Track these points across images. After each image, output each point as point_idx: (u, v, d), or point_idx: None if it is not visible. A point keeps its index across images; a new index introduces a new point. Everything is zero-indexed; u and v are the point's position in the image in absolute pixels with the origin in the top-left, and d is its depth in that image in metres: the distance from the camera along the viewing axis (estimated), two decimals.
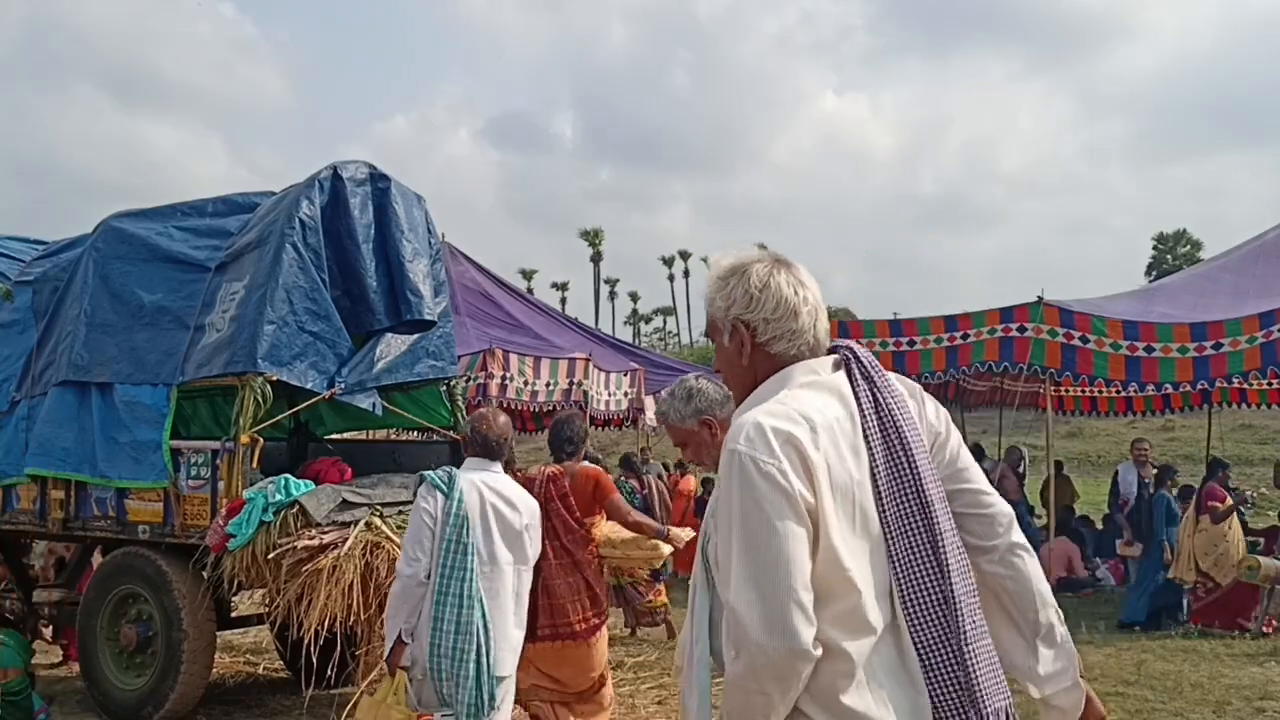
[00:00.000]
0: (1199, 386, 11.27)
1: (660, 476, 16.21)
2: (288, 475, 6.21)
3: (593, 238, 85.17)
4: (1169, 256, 57.96)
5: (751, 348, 2.09)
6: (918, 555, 1.96)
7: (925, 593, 1.95)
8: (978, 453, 16.44)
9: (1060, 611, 2.20)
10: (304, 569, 5.78)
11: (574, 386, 14.00)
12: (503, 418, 4.68)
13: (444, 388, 7.61)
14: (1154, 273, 54.03)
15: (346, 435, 8.49)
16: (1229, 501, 9.98)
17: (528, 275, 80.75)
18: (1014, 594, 2.13)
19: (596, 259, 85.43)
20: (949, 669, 1.93)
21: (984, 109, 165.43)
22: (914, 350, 12.25)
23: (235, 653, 8.89)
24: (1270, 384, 15.58)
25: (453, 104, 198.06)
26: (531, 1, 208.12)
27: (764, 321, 2.07)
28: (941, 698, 1.92)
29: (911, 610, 1.94)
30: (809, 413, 1.95)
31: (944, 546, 1.97)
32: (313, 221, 6.62)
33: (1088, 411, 19.13)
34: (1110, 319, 11.44)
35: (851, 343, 2.14)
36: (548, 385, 13.90)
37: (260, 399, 6.28)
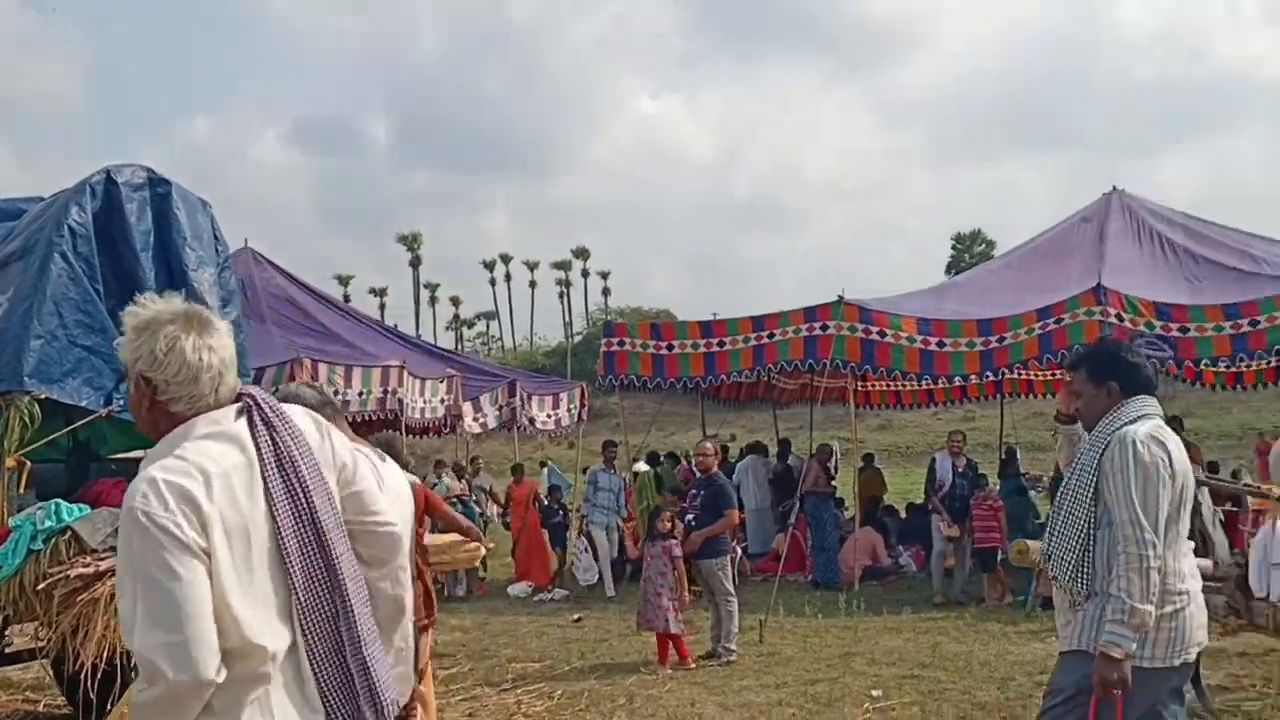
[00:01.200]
0: (985, 377, 11.94)
1: (485, 488, 16.36)
2: (59, 500, 5.82)
3: (411, 242, 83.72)
4: (966, 255, 61.18)
5: (151, 403, 2.23)
6: (315, 580, 2.20)
7: (321, 611, 2.20)
8: (784, 448, 16.93)
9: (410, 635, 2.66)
10: (78, 599, 5.42)
11: (388, 395, 13.71)
12: None
13: None
14: (953, 270, 56.93)
15: (132, 454, 8.04)
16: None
17: (344, 281, 78.84)
18: (390, 613, 2.48)
19: (415, 263, 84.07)
20: (341, 678, 2.20)
21: (793, 114, 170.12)
22: (724, 350, 12.53)
23: (14, 690, 8.30)
24: (1051, 375, 16.63)
25: (259, 105, 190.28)
26: (339, 1, 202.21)
27: (165, 383, 2.20)
28: (336, 705, 2.19)
29: (309, 629, 2.18)
30: (205, 464, 2.11)
31: (340, 569, 2.23)
32: (84, 229, 6.22)
33: (893, 405, 20.14)
34: (905, 316, 12.02)
35: (254, 390, 2.31)
36: (360, 394, 13.54)
37: (27, 419, 5.86)
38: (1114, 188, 14.33)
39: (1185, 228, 13.55)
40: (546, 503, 14.69)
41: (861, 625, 9.94)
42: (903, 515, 15.15)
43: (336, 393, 13.27)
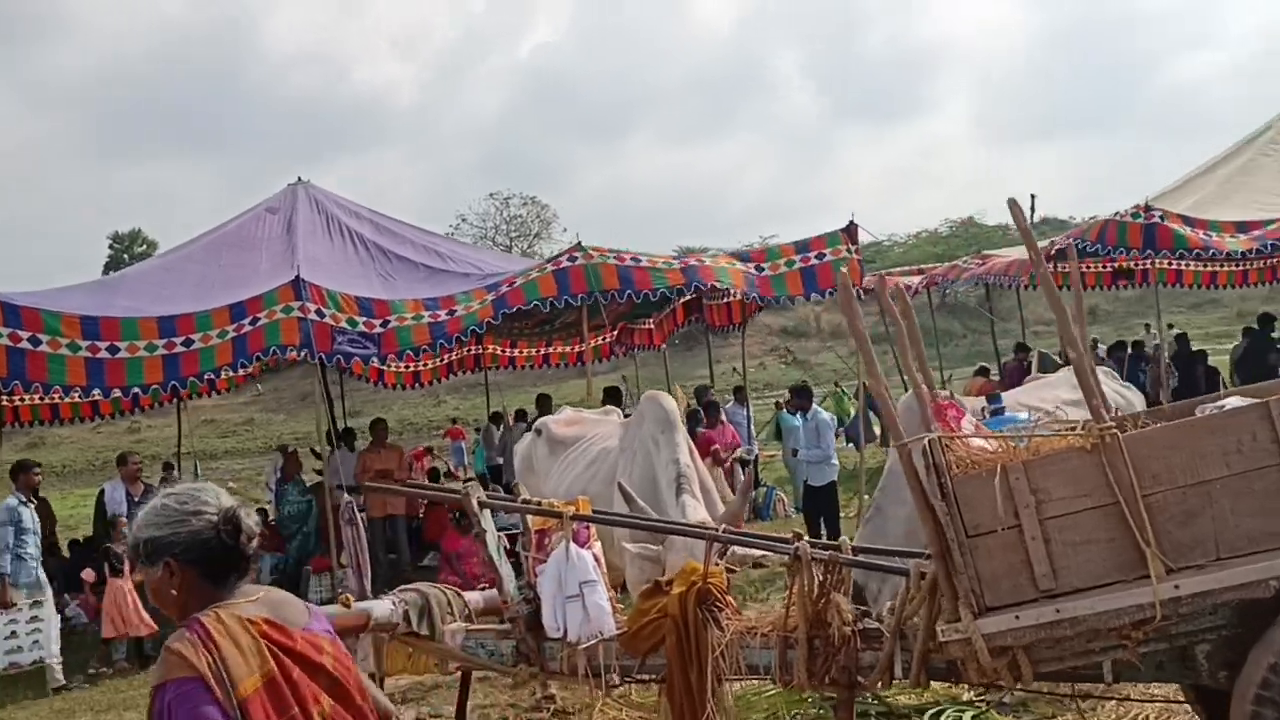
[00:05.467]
0: (170, 386, 10.18)
1: None
2: None
3: None
4: (127, 256, 57.46)
5: None
6: None
7: None
8: None
9: None
10: None
11: None
12: None
13: None
14: (113, 271, 52.78)
15: None
16: None
17: None
18: None
19: None
20: None
21: None
22: None
23: None
24: (240, 373, 15.33)
25: None
26: None
27: None
28: None
29: None
30: None
31: None
32: None
33: (48, 420, 17.04)
34: (66, 314, 9.70)
35: None
36: None
37: None
38: (299, 179, 13.48)
39: (373, 223, 13.20)
40: None
41: None
42: (66, 555, 12.62)
43: None
